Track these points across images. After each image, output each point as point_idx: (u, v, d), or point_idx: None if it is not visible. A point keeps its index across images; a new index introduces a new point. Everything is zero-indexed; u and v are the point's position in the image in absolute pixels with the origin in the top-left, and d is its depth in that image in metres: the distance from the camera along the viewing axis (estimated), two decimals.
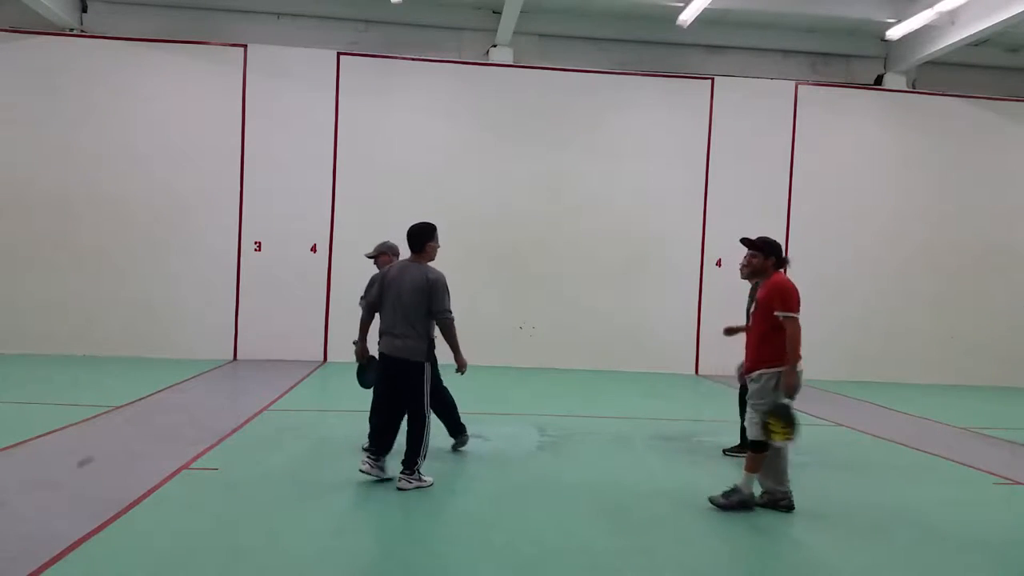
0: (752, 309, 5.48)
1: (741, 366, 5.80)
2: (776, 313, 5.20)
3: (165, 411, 8.07)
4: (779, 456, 5.34)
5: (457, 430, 6.86)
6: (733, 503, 5.23)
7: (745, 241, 5.62)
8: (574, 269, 13.17)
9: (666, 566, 4.37)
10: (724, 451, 7.33)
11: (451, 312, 5.56)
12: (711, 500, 5.32)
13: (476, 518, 5.07)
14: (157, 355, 12.14)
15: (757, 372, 5.31)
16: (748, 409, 5.34)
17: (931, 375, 13.59)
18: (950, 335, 13.72)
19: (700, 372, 13.35)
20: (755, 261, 5.52)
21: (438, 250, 5.77)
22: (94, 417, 7.47)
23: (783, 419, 5.09)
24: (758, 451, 5.22)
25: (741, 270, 7.28)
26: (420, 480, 5.58)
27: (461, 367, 5.73)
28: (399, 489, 5.51)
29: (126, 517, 4.69)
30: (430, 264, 5.67)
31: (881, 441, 8.03)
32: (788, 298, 5.21)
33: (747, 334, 5.61)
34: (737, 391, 7.19)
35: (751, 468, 5.27)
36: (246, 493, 5.34)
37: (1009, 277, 13.88)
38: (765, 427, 5.13)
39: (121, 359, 11.90)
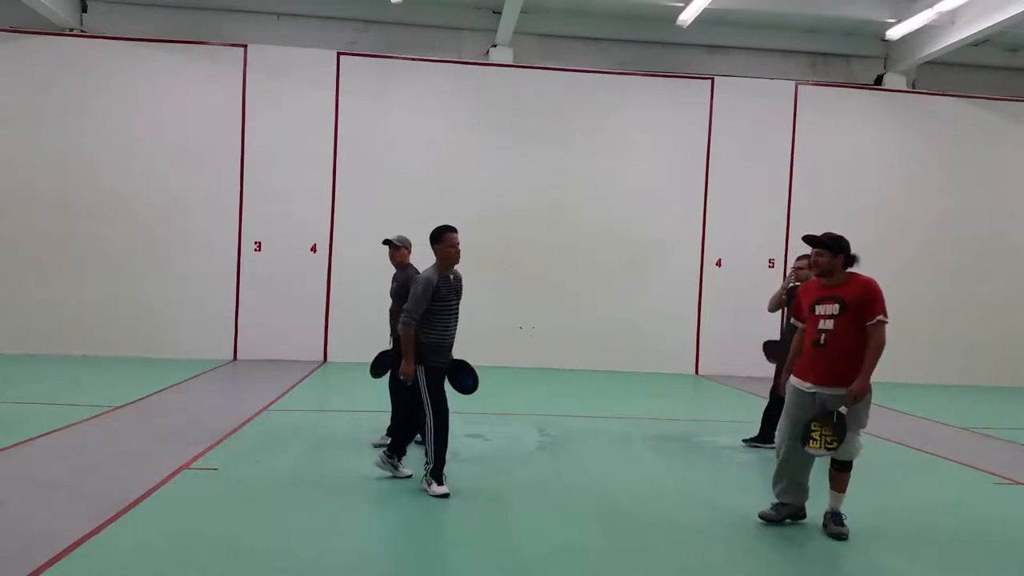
0: (836, 312, 4.84)
1: (792, 377, 5.17)
2: (880, 318, 4.78)
3: (165, 411, 8.07)
4: (807, 467, 5.07)
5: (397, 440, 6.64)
6: (843, 524, 4.93)
7: (810, 239, 5.01)
8: (574, 269, 13.17)
9: (666, 566, 4.37)
10: (743, 440, 7.65)
11: (408, 315, 5.38)
12: (834, 535, 4.88)
13: (476, 518, 5.07)
14: (157, 355, 12.13)
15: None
16: (850, 431, 4.83)
17: (931, 375, 13.59)
18: (950, 335, 13.72)
19: (700, 372, 13.34)
20: (822, 260, 4.95)
21: (455, 251, 5.54)
22: (94, 417, 7.47)
23: (833, 429, 4.72)
24: (847, 471, 4.96)
25: (796, 272, 7.03)
26: (427, 483, 5.48)
27: (401, 372, 5.46)
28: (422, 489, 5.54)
29: (126, 517, 4.69)
30: (442, 267, 5.54)
31: (881, 441, 8.02)
32: (884, 302, 4.85)
33: (829, 342, 4.85)
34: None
35: (841, 488, 4.99)
36: (246, 493, 5.34)
37: (1009, 277, 13.88)
38: (807, 431, 4.78)
39: (121, 359, 11.90)
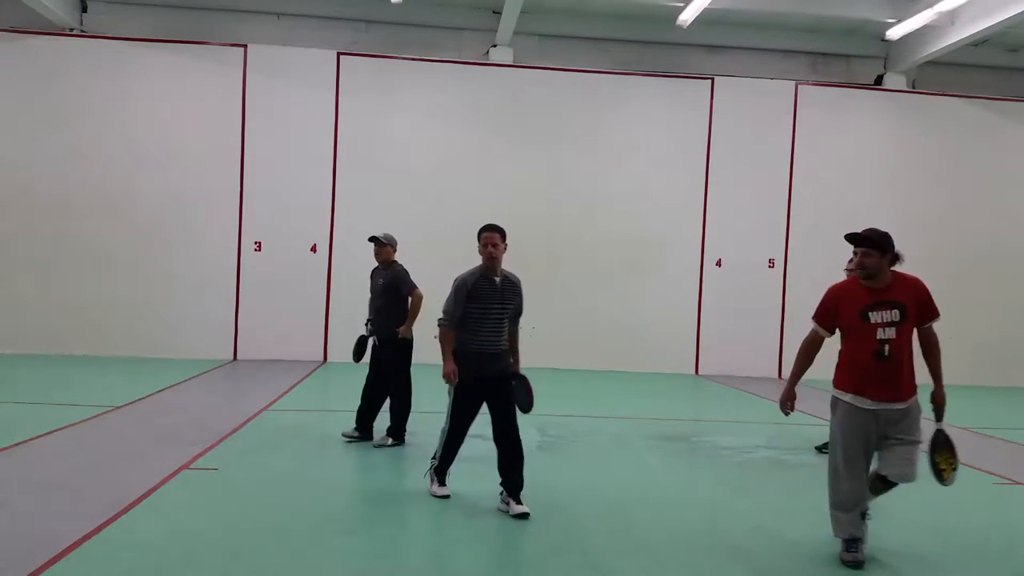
0: (896, 320, 4.37)
1: (846, 394, 4.53)
2: (934, 322, 4.50)
3: (165, 411, 8.07)
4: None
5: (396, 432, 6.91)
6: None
7: (854, 237, 4.45)
8: (574, 269, 13.17)
9: (666, 566, 4.37)
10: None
11: (444, 316, 5.27)
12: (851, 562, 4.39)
13: (476, 518, 5.07)
14: (157, 355, 12.13)
15: (914, 398, 4.52)
16: (908, 447, 4.43)
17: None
18: (950, 335, 13.59)
19: (700, 372, 13.34)
20: (870, 262, 4.39)
21: (487, 252, 5.21)
22: (94, 417, 7.47)
23: (950, 449, 4.42)
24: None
25: (855, 270, 6.58)
26: (431, 480, 5.49)
27: (443, 375, 5.26)
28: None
29: (126, 517, 4.69)
30: (485, 268, 5.27)
31: None
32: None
33: (893, 352, 4.40)
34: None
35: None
36: (246, 493, 5.34)
37: (1010, 276, 13.87)
38: (936, 468, 4.40)
39: (121, 359, 11.89)
